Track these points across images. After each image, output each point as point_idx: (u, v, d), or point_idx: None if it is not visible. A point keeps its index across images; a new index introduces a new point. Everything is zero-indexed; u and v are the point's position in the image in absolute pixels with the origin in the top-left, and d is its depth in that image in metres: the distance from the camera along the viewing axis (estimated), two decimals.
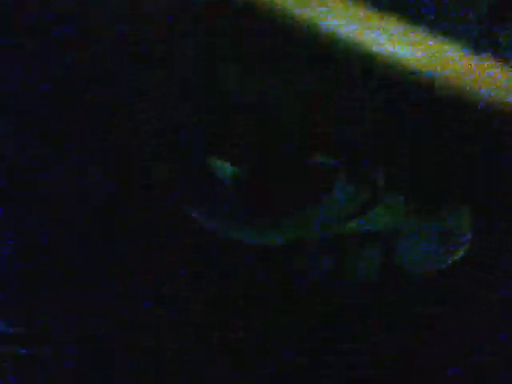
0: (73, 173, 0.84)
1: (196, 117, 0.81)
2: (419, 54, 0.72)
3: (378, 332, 0.82)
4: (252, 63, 0.76)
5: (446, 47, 0.73)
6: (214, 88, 0.79)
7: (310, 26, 0.71)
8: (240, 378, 0.78)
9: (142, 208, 0.83)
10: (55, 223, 0.85)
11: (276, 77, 0.77)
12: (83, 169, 0.84)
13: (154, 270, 0.85)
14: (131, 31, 0.76)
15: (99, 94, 0.81)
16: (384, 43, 0.72)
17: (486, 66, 0.73)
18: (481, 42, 0.79)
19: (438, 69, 0.73)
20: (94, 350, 0.80)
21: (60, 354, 0.80)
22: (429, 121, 0.76)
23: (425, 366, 0.82)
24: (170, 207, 0.83)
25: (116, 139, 0.83)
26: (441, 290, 0.86)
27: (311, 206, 0.85)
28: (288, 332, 0.81)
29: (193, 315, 0.83)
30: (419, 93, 0.74)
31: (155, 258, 0.85)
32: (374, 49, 0.72)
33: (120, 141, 0.83)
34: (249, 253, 0.83)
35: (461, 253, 0.88)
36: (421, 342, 0.82)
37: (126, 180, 0.84)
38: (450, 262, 0.87)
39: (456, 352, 0.82)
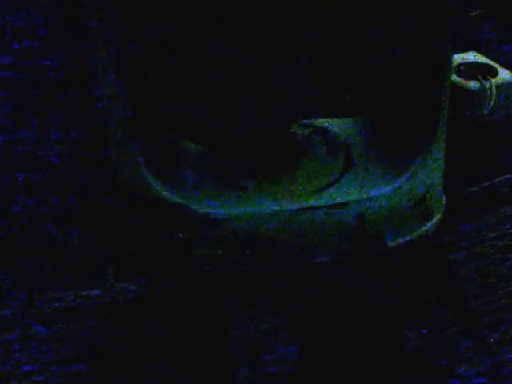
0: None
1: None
2: None
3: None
4: None
5: None
6: None
7: None
8: (240, 378, 0.78)
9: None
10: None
11: None
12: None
13: (155, 270, 0.85)
14: None
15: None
16: None
17: None
18: None
19: None
20: (94, 349, 0.80)
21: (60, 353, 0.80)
22: None
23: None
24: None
25: None
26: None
27: (284, 177, 0.84)
28: (288, 332, 0.81)
29: (193, 315, 0.83)
30: None
31: (155, 257, 0.85)
32: None
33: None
34: (249, 252, 0.83)
35: (436, 218, 0.86)
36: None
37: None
38: (425, 228, 0.85)
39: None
